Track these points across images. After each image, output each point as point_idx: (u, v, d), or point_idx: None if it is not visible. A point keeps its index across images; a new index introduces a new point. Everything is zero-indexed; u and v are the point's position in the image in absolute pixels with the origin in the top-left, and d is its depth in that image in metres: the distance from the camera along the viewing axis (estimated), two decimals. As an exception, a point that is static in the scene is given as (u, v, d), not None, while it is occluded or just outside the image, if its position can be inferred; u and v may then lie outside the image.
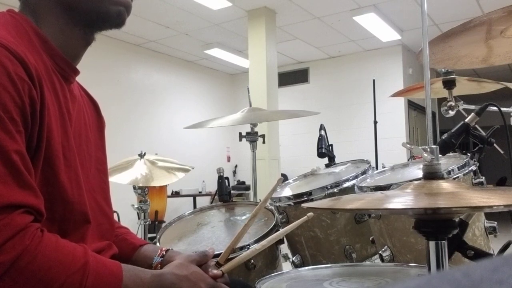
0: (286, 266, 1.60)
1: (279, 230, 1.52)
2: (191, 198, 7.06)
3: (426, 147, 0.81)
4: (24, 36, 0.82)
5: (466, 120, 1.48)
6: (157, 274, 0.88)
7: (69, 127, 0.86)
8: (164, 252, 1.04)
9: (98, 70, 6.25)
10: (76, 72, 0.94)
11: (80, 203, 0.86)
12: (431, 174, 0.79)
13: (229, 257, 1.05)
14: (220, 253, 1.05)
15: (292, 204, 1.68)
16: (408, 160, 1.90)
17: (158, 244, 1.48)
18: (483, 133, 1.53)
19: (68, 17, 0.89)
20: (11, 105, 0.72)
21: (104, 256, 0.94)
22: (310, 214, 1.05)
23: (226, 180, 1.85)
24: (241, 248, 1.31)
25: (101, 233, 0.96)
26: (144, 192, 2.54)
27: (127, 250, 1.05)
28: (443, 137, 1.47)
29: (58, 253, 0.74)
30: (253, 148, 2.25)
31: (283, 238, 1.55)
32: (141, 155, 2.49)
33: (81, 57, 0.96)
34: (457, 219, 1.04)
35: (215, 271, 0.97)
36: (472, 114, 1.49)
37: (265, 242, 1.06)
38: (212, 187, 7.03)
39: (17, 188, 0.71)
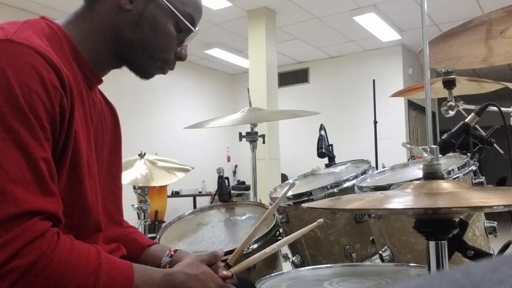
0: (286, 266, 1.60)
1: (279, 230, 1.52)
2: (191, 198, 7.06)
3: (426, 147, 0.81)
4: (56, 43, 0.83)
5: (466, 120, 1.48)
6: (168, 273, 0.89)
7: (91, 135, 0.88)
8: (172, 252, 1.05)
9: (98, 70, 6.25)
10: (100, 81, 0.96)
11: (96, 211, 0.88)
12: (431, 174, 0.79)
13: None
14: (229, 255, 1.06)
15: (292, 204, 1.68)
16: (408, 160, 1.90)
17: (158, 244, 1.48)
18: (483, 133, 1.53)
19: (113, 48, 0.92)
20: (43, 112, 0.74)
21: (116, 254, 0.96)
22: (321, 220, 1.06)
23: (226, 180, 1.85)
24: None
25: (107, 237, 0.97)
26: (144, 192, 2.54)
27: (136, 250, 1.06)
28: (443, 137, 1.46)
29: (73, 256, 0.75)
30: (253, 148, 2.25)
31: (283, 238, 1.55)
32: (141, 155, 2.50)
33: (108, 71, 0.98)
34: (457, 219, 1.04)
35: (225, 272, 0.98)
36: (472, 114, 1.49)
37: (275, 246, 1.06)
38: (212, 187, 7.02)
39: (40, 195, 0.72)
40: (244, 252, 1.32)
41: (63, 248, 0.74)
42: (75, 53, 0.87)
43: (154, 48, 0.93)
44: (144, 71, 0.97)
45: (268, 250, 1.05)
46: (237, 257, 1.04)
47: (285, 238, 1.13)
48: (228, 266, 1.01)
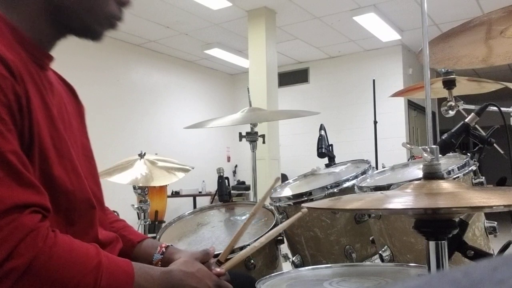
0: (286, 266, 1.60)
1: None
2: (191, 198, 7.06)
3: (426, 147, 0.81)
4: None
5: (466, 120, 1.48)
6: (166, 271, 0.89)
7: (55, 116, 0.84)
8: (164, 249, 1.05)
9: (98, 70, 6.25)
10: (50, 58, 0.90)
11: (82, 190, 0.86)
12: (431, 174, 0.79)
13: (228, 256, 1.06)
14: (220, 253, 1.07)
15: (292, 204, 1.68)
16: (408, 160, 1.90)
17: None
18: (483, 133, 1.53)
19: (50, 17, 0.86)
20: None
21: (113, 249, 0.96)
22: (304, 210, 1.07)
23: (226, 180, 1.85)
24: (241, 249, 1.31)
25: (99, 217, 0.95)
26: (144, 192, 2.54)
27: (126, 247, 1.05)
28: (443, 137, 1.46)
29: (73, 254, 0.74)
30: (253, 148, 2.25)
31: (283, 238, 1.55)
32: (141, 155, 2.49)
33: (55, 45, 0.92)
34: (457, 219, 1.04)
35: (218, 269, 0.99)
36: (472, 114, 1.49)
37: (263, 239, 1.07)
38: (212, 187, 7.02)
39: (18, 189, 0.70)
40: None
41: (61, 246, 0.74)
42: (15, 34, 0.81)
43: (92, 2, 0.87)
44: (92, 32, 0.90)
45: (257, 243, 1.06)
46: (228, 254, 1.05)
47: (272, 230, 1.14)
48: (219, 263, 1.03)
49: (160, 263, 1.02)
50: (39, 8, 0.85)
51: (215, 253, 1.06)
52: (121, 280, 0.79)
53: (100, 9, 0.88)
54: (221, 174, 1.84)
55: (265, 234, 1.40)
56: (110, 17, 0.89)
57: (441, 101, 1.79)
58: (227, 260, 1.04)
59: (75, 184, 0.84)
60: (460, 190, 0.73)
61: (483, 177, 1.42)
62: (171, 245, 1.08)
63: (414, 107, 7.81)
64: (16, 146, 0.72)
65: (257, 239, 1.39)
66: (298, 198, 1.66)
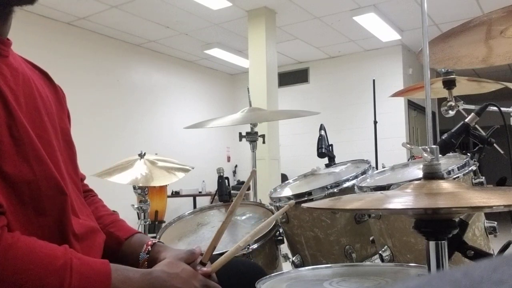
0: (286, 266, 1.60)
1: (279, 230, 1.52)
2: (191, 198, 7.06)
3: (426, 147, 0.81)
4: None
5: (466, 120, 1.48)
6: (147, 273, 0.85)
7: (11, 103, 0.80)
8: (149, 248, 1.00)
9: (98, 70, 6.25)
10: (7, 44, 0.86)
11: (47, 177, 0.82)
12: (431, 174, 0.79)
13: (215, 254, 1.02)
14: (218, 253, 1.05)
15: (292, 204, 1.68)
16: (408, 160, 1.90)
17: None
18: (483, 133, 1.53)
19: None
20: None
21: (93, 242, 0.91)
22: (292, 202, 1.05)
23: (226, 180, 1.85)
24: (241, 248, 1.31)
25: (77, 204, 0.92)
26: (144, 192, 2.54)
27: (112, 244, 1.01)
28: (443, 137, 1.47)
29: (32, 256, 0.71)
30: (253, 148, 2.25)
31: (283, 238, 1.55)
32: (141, 155, 2.49)
33: (7, 28, 0.87)
34: (457, 219, 1.04)
35: (205, 269, 0.94)
36: (472, 114, 1.49)
37: (248, 238, 1.03)
38: (212, 187, 7.02)
39: None
40: (245, 252, 1.32)
41: (20, 248, 0.70)
42: None
43: None
44: None
45: (242, 243, 1.01)
46: (210, 255, 1.00)
47: (257, 228, 1.08)
48: (202, 265, 0.97)
49: (146, 262, 0.98)
50: None
51: (215, 253, 1.04)
52: (96, 281, 0.76)
53: None
54: (221, 174, 1.84)
55: (267, 236, 1.40)
56: None
57: (441, 101, 1.79)
58: (214, 260, 1.00)
59: (38, 172, 0.80)
60: (460, 190, 0.73)
61: (483, 177, 1.42)
62: (158, 241, 1.03)
63: (414, 107, 7.81)
64: None
65: (257, 239, 1.39)
66: (298, 198, 1.66)
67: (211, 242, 1.02)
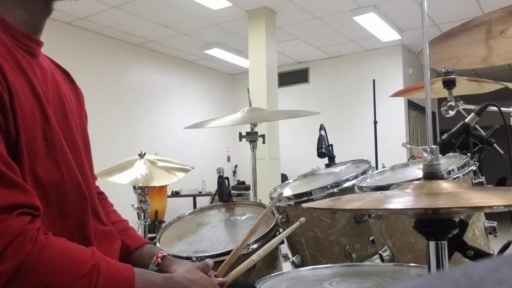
0: (286, 266, 1.60)
1: (279, 230, 1.52)
2: (191, 198, 7.06)
3: (426, 147, 0.81)
4: None
5: (466, 120, 1.48)
6: (169, 277, 0.88)
7: (46, 106, 0.81)
8: (159, 260, 1.03)
9: (98, 70, 6.25)
10: (40, 44, 0.87)
11: (72, 181, 0.83)
12: (431, 174, 0.79)
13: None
14: (218, 253, 1.06)
15: (292, 204, 1.68)
16: (408, 160, 1.90)
17: (158, 244, 1.48)
18: (483, 133, 1.53)
19: None
20: None
21: (111, 246, 0.94)
22: (302, 219, 1.07)
23: (226, 180, 1.85)
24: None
25: (93, 206, 0.93)
26: (144, 192, 2.54)
27: (122, 253, 1.03)
28: (443, 137, 1.46)
29: (65, 257, 0.72)
30: (253, 148, 2.25)
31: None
32: (141, 155, 2.49)
33: (42, 28, 0.88)
34: (457, 219, 1.04)
35: (220, 279, 0.98)
36: (472, 114, 1.49)
37: (261, 253, 1.07)
38: (212, 187, 7.03)
39: (3, 190, 0.68)
40: (245, 252, 1.32)
41: (52, 248, 0.71)
42: (1, 24, 0.78)
43: None
44: None
45: (255, 257, 1.05)
46: (226, 269, 1.04)
47: (270, 242, 1.12)
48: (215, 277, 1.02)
49: (162, 273, 1.00)
50: None
51: (215, 253, 1.05)
52: (120, 285, 0.77)
53: None
54: (221, 174, 1.84)
55: (266, 236, 1.40)
56: None
57: (441, 101, 1.79)
58: (227, 272, 1.03)
59: (66, 176, 0.82)
60: (460, 190, 0.73)
61: (483, 177, 1.42)
62: (168, 254, 1.06)
63: (414, 107, 7.81)
64: (0, 145, 0.70)
65: (257, 239, 1.39)
66: (298, 198, 1.66)
67: (228, 258, 1.07)
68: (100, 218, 0.96)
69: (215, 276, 1.01)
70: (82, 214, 0.85)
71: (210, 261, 1.02)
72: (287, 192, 1.83)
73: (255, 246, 1.37)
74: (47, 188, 0.79)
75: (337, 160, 2.06)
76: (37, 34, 0.87)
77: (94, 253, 0.77)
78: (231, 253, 1.08)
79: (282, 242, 1.54)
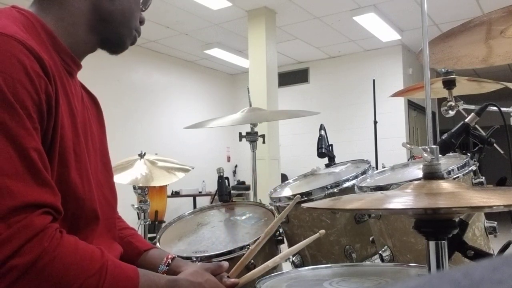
0: (286, 266, 1.60)
1: (278, 230, 1.52)
2: (191, 198, 7.06)
3: (426, 147, 0.81)
4: (33, 32, 0.81)
5: (466, 120, 1.48)
6: (172, 279, 0.89)
7: (77, 122, 0.86)
8: (170, 260, 1.04)
9: (98, 70, 6.24)
10: (79, 67, 0.95)
11: (91, 199, 0.86)
12: (431, 174, 0.79)
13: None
14: (218, 253, 1.06)
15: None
16: (408, 160, 1.90)
17: (158, 244, 1.48)
18: (483, 133, 1.53)
19: (90, 27, 0.91)
20: (29, 102, 0.72)
21: (113, 253, 0.95)
22: (322, 231, 1.07)
23: (226, 180, 1.85)
24: (241, 248, 1.31)
25: (109, 227, 0.97)
26: (144, 192, 2.54)
27: (132, 254, 1.05)
28: (443, 137, 1.46)
29: (77, 256, 0.74)
30: (253, 148, 2.24)
31: (283, 238, 1.55)
32: (141, 155, 2.50)
33: (85, 55, 0.98)
34: (457, 219, 1.04)
35: (233, 280, 0.98)
36: (472, 114, 1.49)
37: (277, 259, 1.07)
38: (212, 187, 7.02)
39: (35, 187, 0.71)
40: (245, 252, 1.32)
41: (66, 246, 0.73)
42: (52, 39, 0.84)
43: (131, 17, 0.95)
44: (123, 44, 0.98)
45: (271, 263, 1.06)
46: (239, 271, 1.05)
47: (286, 251, 1.15)
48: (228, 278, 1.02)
49: (165, 275, 1.01)
50: (83, 17, 0.89)
51: (215, 253, 1.06)
52: (125, 285, 0.79)
53: (132, 24, 0.97)
54: (221, 174, 1.84)
55: (266, 236, 1.40)
56: (137, 31, 0.99)
57: (441, 101, 1.79)
58: (239, 274, 1.04)
59: (86, 192, 0.85)
60: (460, 190, 0.73)
61: (483, 177, 1.42)
62: (177, 256, 1.07)
63: (414, 107, 7.81)
64: (39, 145, 0.73)
65: (257, 239, 1.39)
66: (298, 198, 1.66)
67: (241, 260, 1.07)
68: (115, 237, 0.99)
69: (228, 277, 1.01)
70: (90, 232, 0.87)
71: (225, 263, 1.02)
72: (287, 192, 1.83)
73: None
74: (68, 198, 0.81)
75: (337, 160, 2.06)
76: (79, 58, 0.95)
77: (102, 252, 0.79)
78: (245, 254, 1.08)
79: (282, 242, 1.55)
